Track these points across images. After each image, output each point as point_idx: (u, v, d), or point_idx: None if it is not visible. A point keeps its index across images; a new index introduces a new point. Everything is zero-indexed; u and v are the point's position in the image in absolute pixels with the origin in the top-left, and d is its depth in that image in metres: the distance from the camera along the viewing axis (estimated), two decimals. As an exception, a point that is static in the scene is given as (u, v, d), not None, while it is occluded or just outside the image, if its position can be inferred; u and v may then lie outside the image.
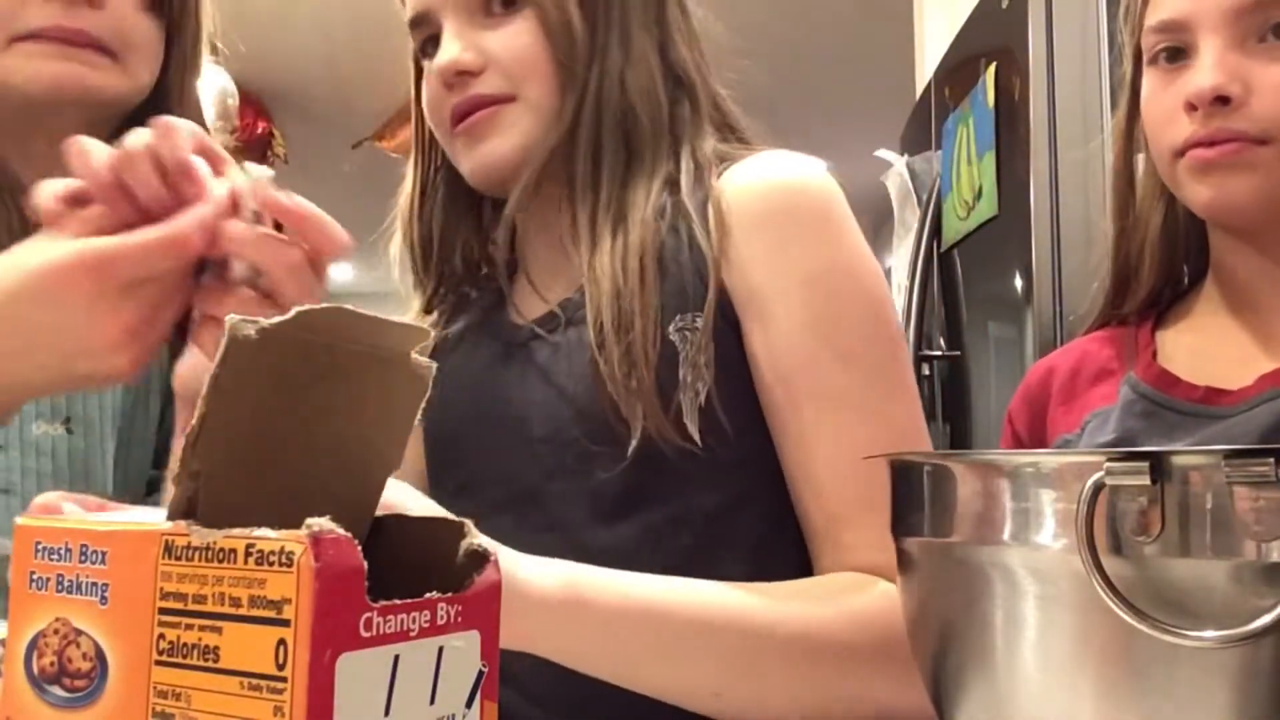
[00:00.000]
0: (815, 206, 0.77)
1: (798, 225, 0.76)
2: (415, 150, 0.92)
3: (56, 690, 0.34)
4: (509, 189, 0.82)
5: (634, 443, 0.73)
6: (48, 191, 0.59)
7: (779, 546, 0.76)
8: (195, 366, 0.67)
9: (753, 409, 0.76)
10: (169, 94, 0.97)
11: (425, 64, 0.85)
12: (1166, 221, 0.91)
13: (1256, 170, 0.78)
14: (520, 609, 0.60)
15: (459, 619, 0.34)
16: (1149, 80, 0.86)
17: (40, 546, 0.35)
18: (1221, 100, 0.78)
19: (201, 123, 1.01)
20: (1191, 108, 0.79)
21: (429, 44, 0.84)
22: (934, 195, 2.26)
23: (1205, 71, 0.78)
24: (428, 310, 0.94)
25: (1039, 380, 0.96)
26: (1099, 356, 0.92)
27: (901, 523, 0.51)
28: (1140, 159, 0.92)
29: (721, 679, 0.67)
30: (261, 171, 0.63)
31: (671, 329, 0.75)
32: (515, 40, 0.80)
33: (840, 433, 0.73)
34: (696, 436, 0.73)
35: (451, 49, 0.80)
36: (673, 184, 0.80)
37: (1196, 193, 0.81)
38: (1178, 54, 0.83)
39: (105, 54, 0.91)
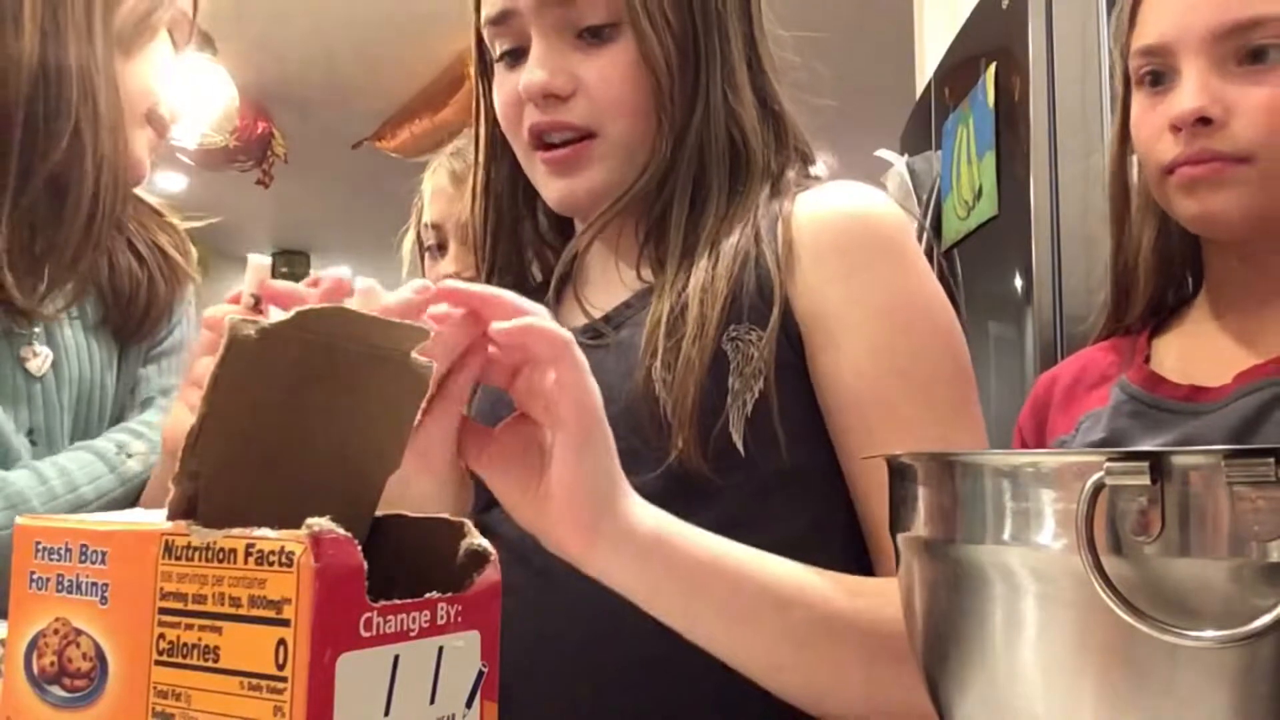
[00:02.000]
0: (888, 236, 0.79)
1: (871, 254, 0.78)
2: (476, 144, 0.92)
3: (56, 690, 0.34)
4: (587, 217, 0.84)
5: (676, 446, 0.73)
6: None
7: (819, 556, 0.76)
8: (182, 423, 0.67)
9: (806, 422, 0.77)
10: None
11: (499, 67, 0.85)
12: (1160, 234, 0.94)
13: (1238, 187, 0.83)
14: (610, 534, 0.61)
15: (459, 619, 0.34)
16: (1136, 102, 0.90)
17: (40, 546, 0.35)
18: (1203, 121, 0.82)
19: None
20: (1176, 129, 0.84)
21: (506, 50, 0.83)
22: (934, 195, 2.26)
23: (1188, 95, 0.83)
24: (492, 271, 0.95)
25: (1044, 389, 1.00)
26: (1100, 364, 0.96)
27: (901, 522, 0.51)
28: (1134, 175, 0.95)
29: (785, 655, 0.68)
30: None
31: (725, 338, 0.76)
32: (609, 71, 0.80)
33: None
34: (740, 445, 0.74)
35: (541, 71, 0.80)
36: (749, 209, 0.82)
37: (1185, 208, 0.86)
38: (1161, 77, 0.87)
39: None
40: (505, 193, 0.91)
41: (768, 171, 0.84)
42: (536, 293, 0.91)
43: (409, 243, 1.49)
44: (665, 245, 0.81)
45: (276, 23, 3.91)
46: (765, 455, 0.75)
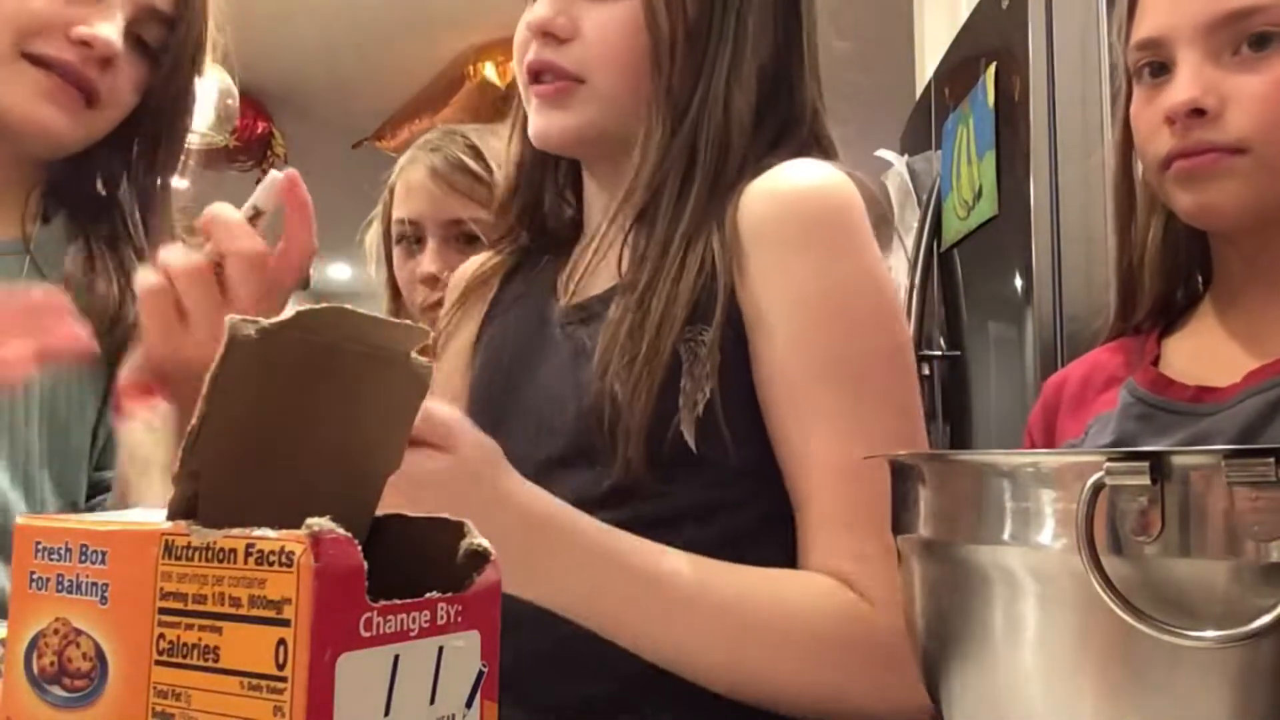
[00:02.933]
0: (827, 216, 0.76)
1: (807, 236, 0.76)
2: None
3: (56, 690, 0.34)
4: (567, 155, 0.86)
5: (626, 455, 0.74)
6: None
7: (766, 550, 0.76)
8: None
9: (753, 420, 0.77)
10: (161, 109, 1.00)
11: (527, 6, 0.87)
12: (1167, 232, 0.93)
13: (1235, 178, 0.81)
14: (500, 518, 0.64)
15: (459, 619, 0.34)
16: (1135, 96, 0.89)
17: (40, 546, 0.35)
18: (1197, 112, 0.81)
19: (183, 130, 1.04)
20: (1170, 121, 0.82)
21: None
22: (934, 195, 2.26)
23: (1182, 86, 0.82)
24: (496, 247, 0.97)
25: (1053, 391, 0.99)
26: (1109, 365, 0.95)
27: (901, 523, 0.51)
28: (1138, 173, 0.94)
29: (693, 647, 0.70)
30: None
31: (680, 341, 0.75)
32: (609, 24, 0.81)
33: (829, 448, 0.74)
34: (692, 444, 0.74)
35: (548, 8, 0.81)
36: (720, 205, 0.80)
37: (1182, 201, 0.85)
38: (1160, 69, 0.86)
39: (92, 104, 0.93)
40: (525, 135, 0.91)
41: (755, 156, 0.81)
42: (549, 251, 0.93)
43: (373, 235, 1.45)
44: (652, 235, 0.80)
45: (276, 23, 3.91)
46: (715, 453, 0.75)
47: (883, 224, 0.81)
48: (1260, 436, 0.79)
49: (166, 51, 0.97)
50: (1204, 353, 0.89)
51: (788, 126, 0.85)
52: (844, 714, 0.71)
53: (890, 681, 0.67)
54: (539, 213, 0.95)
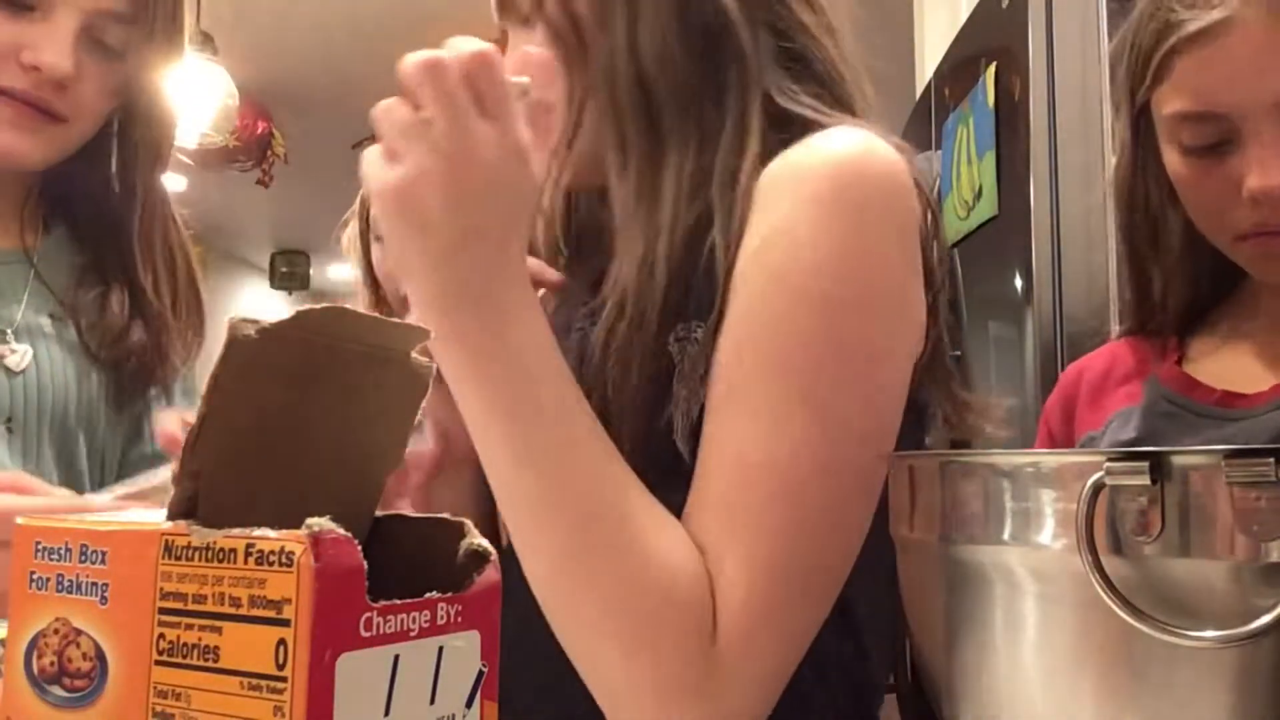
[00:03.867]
0: (827, 189, 0.65)
1: (796, 209, 0.65)
2: None
3: (56, 690, 0.34)
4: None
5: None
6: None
7: None
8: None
9: None
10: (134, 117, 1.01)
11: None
12: (1191, 245, 0.90)
13: None
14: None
15: (459, 619, 0.34)
16: (1184, 165, 0.84)
17: (40, 546, 0.35)
18: None
19: (168, 126, 1.03)
20: (1256, 201, 0.79)
21: None
22: (934, 195, 2.26)
23: (1271, 168, 0.78)
24: (556, 249, 0.88)
25: (1071, 381, 0.98)
26: (1128, 359, 0.94)
27: (902, 522, 0.51)
28: (1152, 198, 0.91)
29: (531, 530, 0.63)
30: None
31: (671, 339, 0.68)
32: (535, 49, 0.76)
33: (741, 439, 0.64)
34: (685, 454, 0.66)
35: (509, 58, 0.75)
36: (706, 172, 0.70)
37: (1265, 272, 0.84)
38: (1216, 140, 0.81)
39: (57, 121, 0.93)
40: None
41: (703, 105, 0.71)
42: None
43: (351, 231, 1.42)
44: (640, 222, 0.71)
45: (276, 22, 3.91)
46: None
47: (928, 208, 0.70)
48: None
49: (132, 51, 0.96)
50: (1233, 358, 0.88)
51: (741, 59, 0.71)
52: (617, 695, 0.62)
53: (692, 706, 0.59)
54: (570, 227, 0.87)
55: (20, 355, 0.95)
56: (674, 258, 0.68)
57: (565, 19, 0.74)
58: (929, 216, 0.70)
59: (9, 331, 0.95)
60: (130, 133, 1.01)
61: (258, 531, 0.31)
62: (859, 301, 0.65)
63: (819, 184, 0.65)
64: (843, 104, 0.73)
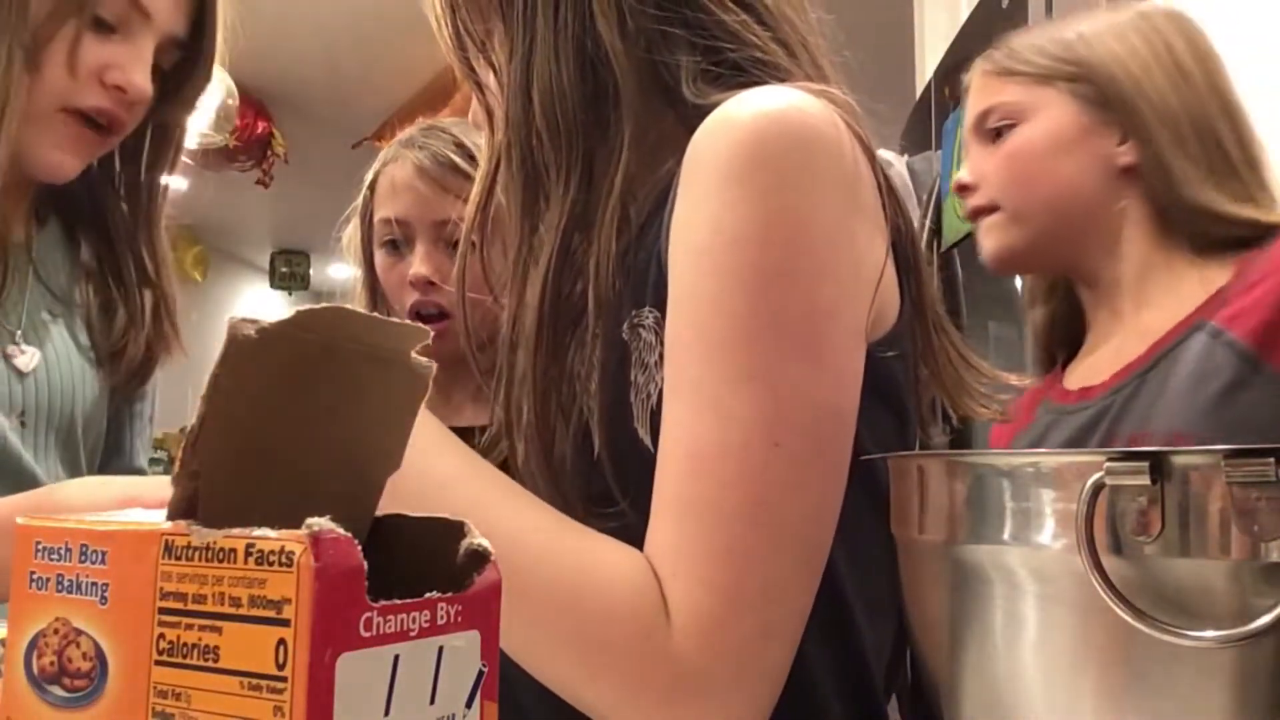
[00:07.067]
0: (742, 150, 0.62)
1: (714, 175, 0.62)
2: None
3: (56, 690, 0.34)
4: None
5: (596, 445, 0.68)
6: None
7: None
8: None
9: None
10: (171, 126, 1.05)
11: None
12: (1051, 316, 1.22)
13: (995, 229, 1.14)
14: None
15: (459, 619, 0.34)
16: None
17: (40, 546, 0.35)
18: (968, 188, 1.17)
19: (180, 133, 1.06)
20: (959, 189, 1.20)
21: None
22: (934, 195, 2.26)
23: (963, 169, 1.20)
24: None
25: (995, 441, 1.20)
26: (1028, 395, 1.17)
27: (902, 522, 0.51)
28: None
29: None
30: None
31: (625, 327, 0.67)
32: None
33: (691, 431, 0.62)
34: (648, 442, 0.65)
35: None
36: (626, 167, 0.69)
37: (981, 250, 1.17)
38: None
39: (110, 137, 0.96)
40: None
41: (662, 107, 0.70)
42: None
43: (352, 234, 1.41)
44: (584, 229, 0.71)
45: (276, 23, 3.91)
46: None
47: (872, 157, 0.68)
48: (1110, 421, 1.00)
49: (180, 74, 0.99)
50: (1085, 365, 1.13)
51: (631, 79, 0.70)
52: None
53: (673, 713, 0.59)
54: None
55: (29, 356, 0.96)
56: (611, 255, 0.68)
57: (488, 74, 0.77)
58: (876, 168, 0.68)
59: (17, 333, 0.96)
60: (146, 138, 1.03)
61: (258, 531, 0.31)
62: (787, 264, 0.61)
63: (729, 149, 0.62)
64: (776, 79, 0.70)
